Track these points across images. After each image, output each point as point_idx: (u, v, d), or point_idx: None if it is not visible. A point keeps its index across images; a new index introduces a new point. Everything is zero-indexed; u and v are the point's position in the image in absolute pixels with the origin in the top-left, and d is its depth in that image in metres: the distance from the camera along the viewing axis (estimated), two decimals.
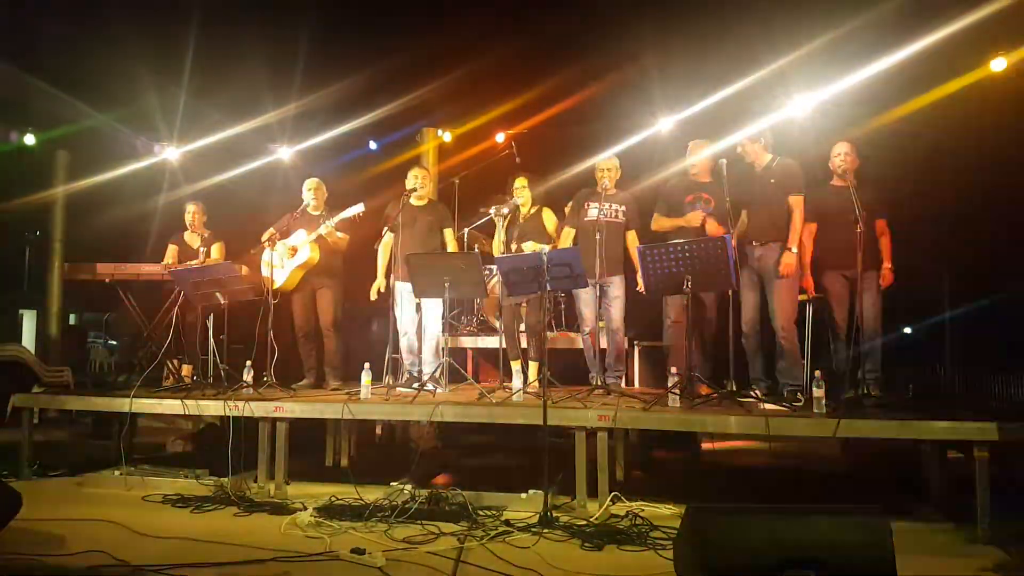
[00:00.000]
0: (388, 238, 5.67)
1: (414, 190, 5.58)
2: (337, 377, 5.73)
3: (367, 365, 4.88)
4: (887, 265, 4.93)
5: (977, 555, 3.41)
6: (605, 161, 5.40)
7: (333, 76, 6.57)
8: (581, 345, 5.77)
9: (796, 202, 4.89)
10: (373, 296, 5.76)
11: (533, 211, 5.64)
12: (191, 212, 6.34)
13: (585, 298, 5.38)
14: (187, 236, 6.35)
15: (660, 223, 5.32)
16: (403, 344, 5.76)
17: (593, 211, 5.28)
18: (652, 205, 5.43)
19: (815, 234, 5.04)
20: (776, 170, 5.00)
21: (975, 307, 6.10)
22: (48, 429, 6.51)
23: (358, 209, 5.51)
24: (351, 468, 5.36)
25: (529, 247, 5.44)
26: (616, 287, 5.32)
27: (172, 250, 6.29)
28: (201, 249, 6.13)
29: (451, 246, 5.82)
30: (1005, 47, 5.92)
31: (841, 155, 4.93)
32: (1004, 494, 3.73)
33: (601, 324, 5.29)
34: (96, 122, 7.38)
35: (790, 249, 4.82)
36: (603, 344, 5.43)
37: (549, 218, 5.62)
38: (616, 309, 5.34)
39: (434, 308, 5.57)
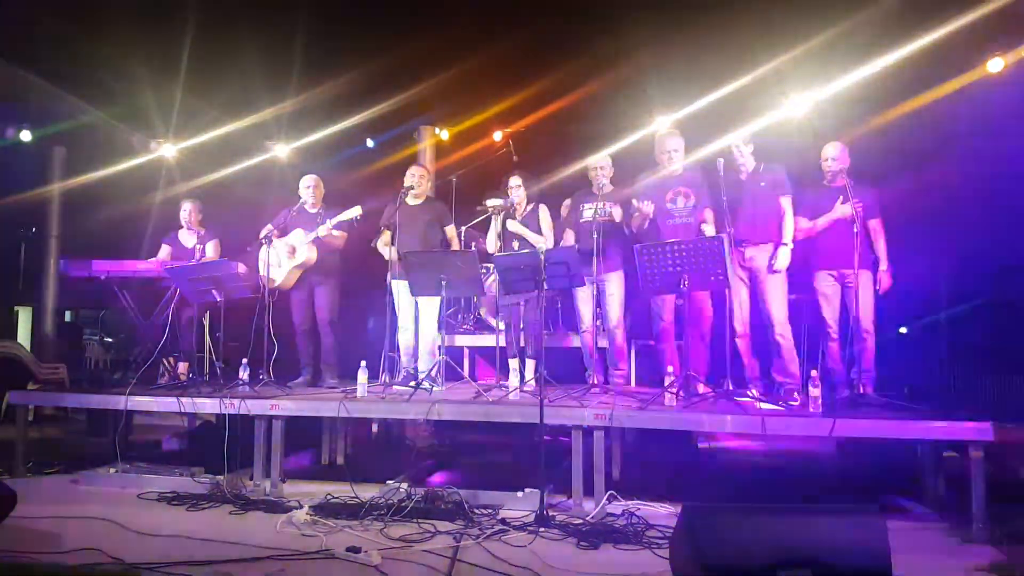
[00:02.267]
0: (386, 235, 5.67)
1: (411, 188, 5.57)
2: (333, 375, 5.73)
3: (363, 363, 4.87)
4: (883, 268, 4.93)
5: (972, 554, 3.42)
6: (597, 160, 5.40)
7: (330, 73, 6.56)
8: (578, 344, 5.77)
9: (787, 203, 4.99)
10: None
11: (529, 209, 5.63)
12: (187, 210, 6.28)
13: (583, 296, 5.39)
14: (182, 235, 6.29)
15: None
16: (400, 342, 5.75)
17: (588, 212, 5.28)
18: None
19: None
20: (765, 174, 5.06)
21: (971, 307, 6.11)
22: (43, 426, 6.50)
23: (356, 212, 5.49)
24: (347, 466, 5.35)
25: (515, 226, 5.48)
26: (613, 284, 5.32)
27: (165, 250, 6.23)
28: (197, 247, 6.11)
29: (453, 243, 5.83)
30: (1002, 47, 5.94)
31: (831, 159, 4.94)
32: (999, 493, 3.74)
33: (597, 322, 5.29)
34: (92, 119, 7.37)
35: (785, 244, 4.88)
36: (602, 343, 5.43)
37: (545, 216, 5.61)
38: (613, 307, 5.34)
39: (431, 306, 5.56)
